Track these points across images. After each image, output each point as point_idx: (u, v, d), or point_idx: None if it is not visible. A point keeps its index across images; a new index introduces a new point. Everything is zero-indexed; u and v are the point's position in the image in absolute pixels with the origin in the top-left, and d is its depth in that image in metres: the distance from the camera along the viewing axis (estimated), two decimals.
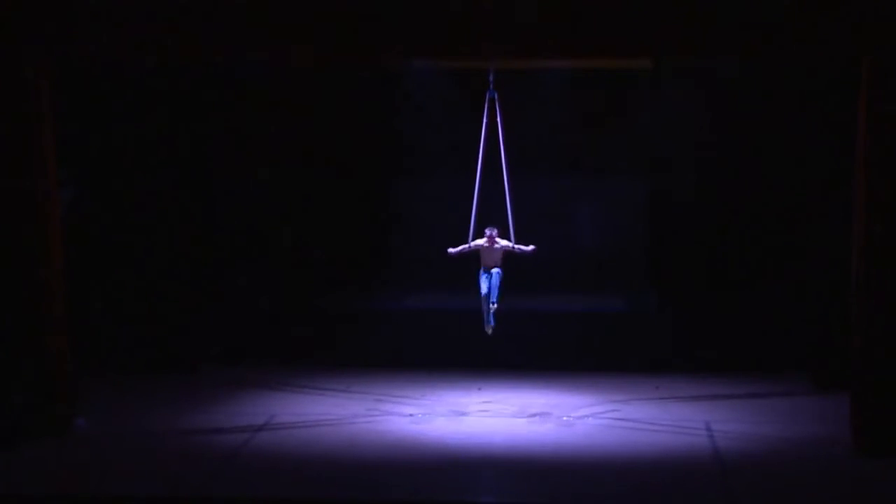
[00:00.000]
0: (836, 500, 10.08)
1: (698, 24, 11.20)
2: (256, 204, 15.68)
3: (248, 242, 15.67)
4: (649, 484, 10.35)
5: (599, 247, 15.92)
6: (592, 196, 16.05)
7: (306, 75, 15.05)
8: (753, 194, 15.09)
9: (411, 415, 12.77)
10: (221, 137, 15.44)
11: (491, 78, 12.25)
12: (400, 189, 15.97)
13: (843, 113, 12.36)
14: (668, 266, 15.54)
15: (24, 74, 11.55)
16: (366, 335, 15.38)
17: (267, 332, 15.41)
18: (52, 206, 11.84)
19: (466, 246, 12.58)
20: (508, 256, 12.76)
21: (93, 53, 11.93)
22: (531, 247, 12.63)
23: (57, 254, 11.86)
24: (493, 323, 12.74)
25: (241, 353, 15.31)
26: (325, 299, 15.70)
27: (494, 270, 12.69)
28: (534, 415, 12.74)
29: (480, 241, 12.66)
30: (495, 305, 12.66)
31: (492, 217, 12.63)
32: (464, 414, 12.79)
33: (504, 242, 12.69)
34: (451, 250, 12.63)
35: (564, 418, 12.62)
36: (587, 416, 12.69)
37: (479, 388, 14.03)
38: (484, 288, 12.66)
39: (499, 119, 12.25)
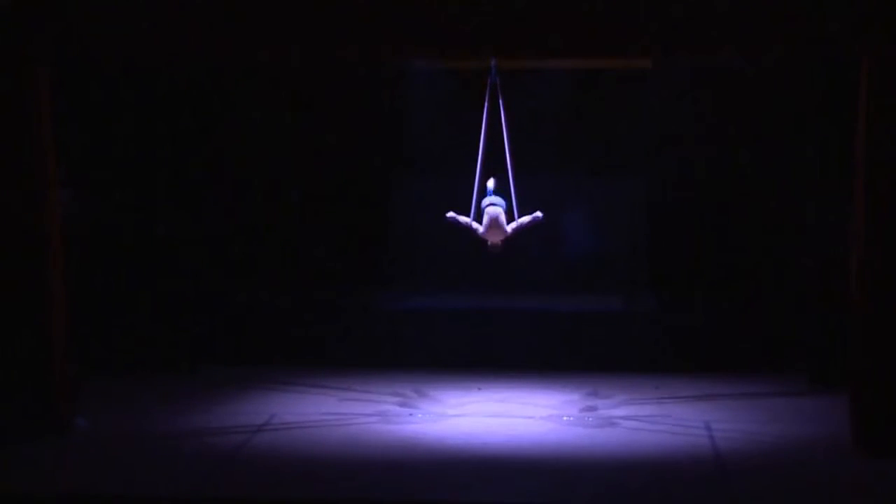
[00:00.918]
0: (836, 500, 10.07)
1: (698, 23, 11.19)
2: (256, 203, 15.69)
3: (247, 242, 15.68)
4: (650, 484, 10.35)
5: (599, 246, 15.92)
6: (592, 195, 16.05)
7: (306, 75, 15.06)
8: (754, 194, 15.10)
9: (411, 414, 12.77)
10: (221, 137, 15.46)
11: (493, 63, 11.95)
12: (400, 188, 15.97)
13: (843, 113, 12.35)
14: (668, 266, 15.54)
15: (23, 74, 11.54)
16: (366, 335, 15.37)
17: (267, 332, 15.40)
18: (52, 206, 11.83)
19: (468, 222, 11.85)
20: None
21: (93, 53, 11.92)
22: (536, 214, 11.85)
23: (57, 254, 11.85)
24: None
25: (241, 353, 15.31)
26: (325, 299, 15.69)
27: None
28: (534, 415, 12.74)
29: (481, 229, 11.83)
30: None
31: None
32: (464, 414, 12.79)
33: (511, 226, 11.83)
34: (450, 215, 11.93)
35: (564, 418, 12.61)
36: (587, 416, 12.69)
37: (479, 388, 14.02)
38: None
39: (500, 104, 11.98)
